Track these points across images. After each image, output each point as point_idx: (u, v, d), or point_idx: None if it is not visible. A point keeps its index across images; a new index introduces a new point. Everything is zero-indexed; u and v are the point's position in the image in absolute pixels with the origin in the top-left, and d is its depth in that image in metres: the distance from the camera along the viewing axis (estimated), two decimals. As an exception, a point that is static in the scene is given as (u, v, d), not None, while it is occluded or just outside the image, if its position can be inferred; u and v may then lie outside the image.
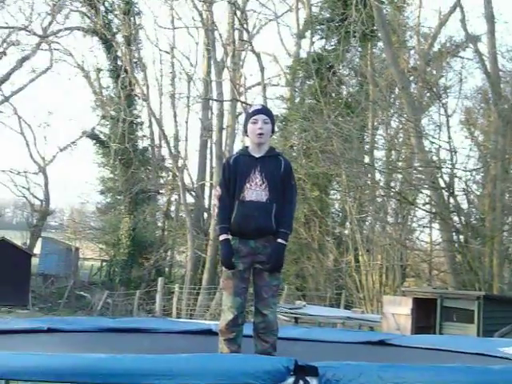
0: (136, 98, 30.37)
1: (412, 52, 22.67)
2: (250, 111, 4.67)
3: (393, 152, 20.92)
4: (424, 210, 18.31)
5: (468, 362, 4.57)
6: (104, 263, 35.30)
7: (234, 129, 25.51)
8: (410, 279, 20.85)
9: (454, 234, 16.68)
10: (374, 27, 20.06)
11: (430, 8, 48.41)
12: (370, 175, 19.24)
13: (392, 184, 20.49)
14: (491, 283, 15.16)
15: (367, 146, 21.61)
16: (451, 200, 16.63)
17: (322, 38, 25.48)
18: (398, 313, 12.09)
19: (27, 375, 3.44)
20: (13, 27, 29.25)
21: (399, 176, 20.04)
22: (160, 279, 22.08)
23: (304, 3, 26.66)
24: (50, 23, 30.51)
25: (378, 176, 20.13)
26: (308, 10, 26.08)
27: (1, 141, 79.62)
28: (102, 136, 32.03)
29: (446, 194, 16.45)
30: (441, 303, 11.64)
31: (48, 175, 35.11)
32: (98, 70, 32.35)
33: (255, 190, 4.42)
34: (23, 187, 35.65)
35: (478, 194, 18.65)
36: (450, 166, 16.58)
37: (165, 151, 31.47)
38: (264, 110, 4.67)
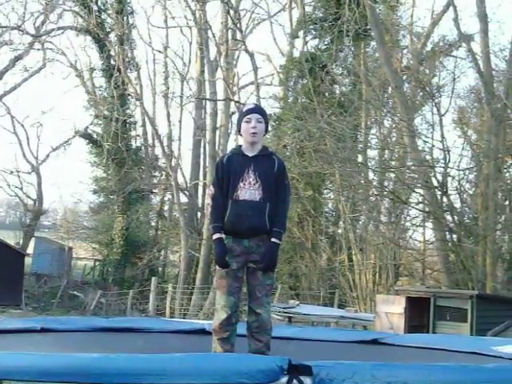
0: (129, 97, 30.33)
1: (405, 51, 22.67)
2: (244, 110, 4.66)
3: (386, 151, 20.92)
4: (417, 209, 18.32)
5: (461, 361, 4.57)
6: (97, 263, 35.20)
7: (227, 128, 25.48)
8: (404, 278, 20.88)
9: (447, 233, 16.70)
10: (367, 26, 20.11)
11: (423, 7, 48.83)
12: (363, 174, 19.23)
13: (385, 183, 20.50)
14: (484, 282, 15.18)
15: (360, 146, 21.61)
16: (444, 199, 16.65)
17: (315, 38, 25.54)
18: (391, 312, 12.09)
19: (20, 375, 3.43)
20: (5, 26, 29.12)
21: (392, 175, 20.03)
22: (153, 279, 22.03)
23: (297, 3, 26.64)
24: (42, 23, 30.50)
25: (371, 175, 20.14)
26: (301, 10, 26.06)
27: (-6, 140, 79.31)
28: (95, 135, 31.96)
29: (439, 193, 16.46)
30: (434, 302, 11.63)
31: (41, 175, 35.15)
32: (91, 70, 32.36)
33: (249, 189, 4.41)
34: (16, 187, 35.75)
35: (471, 193, 18.70)
36: (443, 166, 16.59)
37: (158, 151, 31.52)
38: (257, 109, 4.66)
